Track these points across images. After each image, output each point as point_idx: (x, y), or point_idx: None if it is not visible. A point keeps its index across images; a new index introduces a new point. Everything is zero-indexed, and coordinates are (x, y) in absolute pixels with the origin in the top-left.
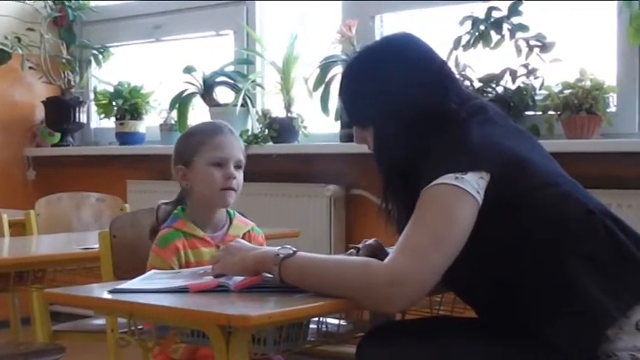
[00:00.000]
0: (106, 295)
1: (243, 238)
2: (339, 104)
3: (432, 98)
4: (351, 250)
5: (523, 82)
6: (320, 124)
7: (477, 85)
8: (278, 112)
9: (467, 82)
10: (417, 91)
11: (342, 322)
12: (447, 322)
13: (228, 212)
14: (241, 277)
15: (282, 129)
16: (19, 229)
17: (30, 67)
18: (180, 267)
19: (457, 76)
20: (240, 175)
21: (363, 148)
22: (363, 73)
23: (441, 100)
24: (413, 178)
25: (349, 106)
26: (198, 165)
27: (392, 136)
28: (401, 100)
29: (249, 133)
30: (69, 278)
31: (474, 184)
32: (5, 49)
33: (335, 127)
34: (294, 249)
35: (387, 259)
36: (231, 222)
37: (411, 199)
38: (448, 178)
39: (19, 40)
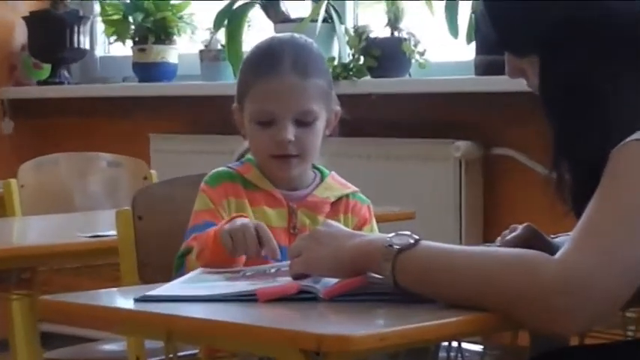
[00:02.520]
0: (131, 306)
1: (336, 206)
2: (482, 18)
3: (626, 11)
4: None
5: None
6: (444, 48)
7: None
8: (379, 30)
9: None
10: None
11: (486, 349)
12: None
13: (319, 169)
14: (335, 279)
15: (386, 56)
16: None
17: None
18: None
19: None
20: (306, 132)
21: (513, 86)
22: None
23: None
24: (598, 132)
25: (501, 23)
26: (246, 118)
27: (568, 68)
28: (581, 14)
29: (336, 62)
30: (70, 281)
31: None
32: None
33: (467, 53)
34: (416, 236)
35: (559, 253)
36: (322, 180)
37: (595, 162)
38: None
39: None
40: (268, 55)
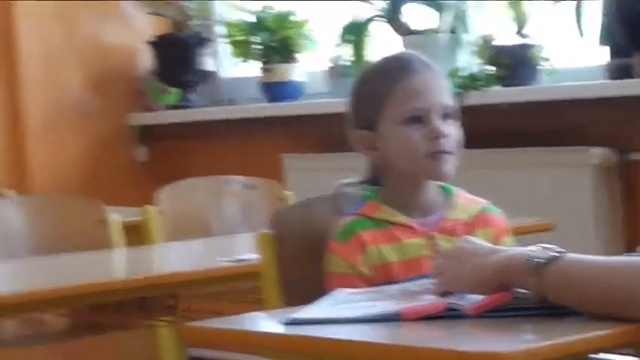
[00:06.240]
0: (281, 330)
1: (472, 223)
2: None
3: None
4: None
5: None
6: (573, 53)
7: None
8: (504, 37)
9: None
10: None
11: None
12: None
13: (443, 188)
14: (479, 296)
15: (515, 64)
16: (132, 234)
17: None
18: (374, 272)
19: None
20: (452, 128)
21: None
22: None
23: None
24: None
25: (629, 20)
26: (386, 127)
27: None
28: None
29: (464, 73)
30: (211, 306)
31: None
32: None
33: (598, 57)
34: (560, 249)
35: None
36: (449, 201)
37: None
38: None
39: None
40: (399, 62)
